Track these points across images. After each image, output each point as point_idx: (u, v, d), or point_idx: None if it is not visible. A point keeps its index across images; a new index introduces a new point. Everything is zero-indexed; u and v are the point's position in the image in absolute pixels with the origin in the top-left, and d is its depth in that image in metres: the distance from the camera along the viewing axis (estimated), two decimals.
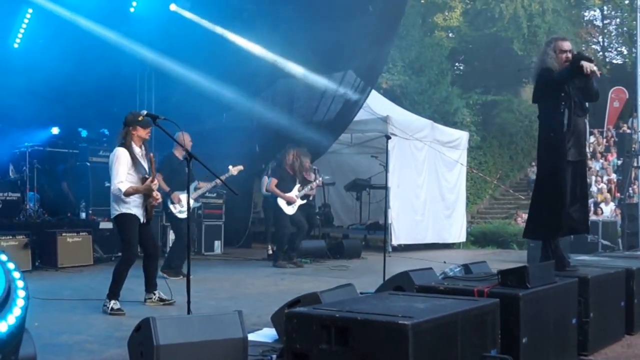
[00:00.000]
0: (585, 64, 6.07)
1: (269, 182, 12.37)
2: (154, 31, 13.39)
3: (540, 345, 4.77)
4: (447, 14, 34.06)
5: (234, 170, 10.21)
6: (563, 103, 6.29)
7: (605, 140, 28.31)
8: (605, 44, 37.02)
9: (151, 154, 7.64)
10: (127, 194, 7.23)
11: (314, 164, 13.77)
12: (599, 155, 26.43)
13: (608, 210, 21.20)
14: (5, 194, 11.59)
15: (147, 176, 7.38)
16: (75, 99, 13.31)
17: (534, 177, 12.07)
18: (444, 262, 11.44)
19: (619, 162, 19.79)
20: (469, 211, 23.54)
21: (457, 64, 35.57)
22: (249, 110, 15.96)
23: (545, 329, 4.87)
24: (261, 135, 15.24)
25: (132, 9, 13.62)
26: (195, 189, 10.32)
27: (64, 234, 11.06)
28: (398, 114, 16.93)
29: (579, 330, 5.46)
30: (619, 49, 36.42)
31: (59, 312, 7.19)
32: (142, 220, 7.47)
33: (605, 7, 35.32)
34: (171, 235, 11.86)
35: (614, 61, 36.08)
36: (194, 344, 4.46)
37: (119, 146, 7.41)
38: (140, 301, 7.75)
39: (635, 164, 15.43)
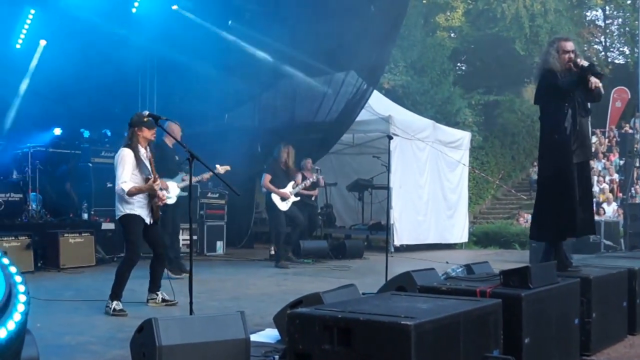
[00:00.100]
0: (593, 80, 6.09)
1: (262, 178, 12.40)
2: (156, 32, 13.40)
3: (542, 345, 4.76)
4: (449, 14, 34.09)
5: (220, 169, 10.17)
6: (566, 104, 6.27)
7: (607, 140, 28.29)
8: (607, 44, 37.03)
9: (149, 154, 7.65)
10: (131, 193, 7.23)
11: (316, 165, 13.77)
12: (601, 155, 26.41)
13: (610, 210, 21.19)
14: (8, 195, 11.59)
15: (149, 177, 7.39)
16: (78, 100, 13.33)
17: (536, 177, 12.06)
18: (446, 263, 11.42)
19: (621, 162, 19.81)
20: (471, 211, 23.54)
21: (459, 64, 35.59)
22: (251, 110, 15.99)
23: (548, 329, 4.87)
24: (263, 136, 15.25)
25: (134, 10, 13.64)
26: (182, 180, 10.33)
27: (66, 235, 11.06)
28: (400, 114, 16.92)
29: (581, 331, 5.45)
30: (621, 49, 36.45)
31: (61, 313, 7.19)
32: (148, 221, 7.47)
33: (607, 7, 35.33)
34: None
35: (616, 61, 36.11)
36: (197, 345, 4.46)
37: (124, 147, 7.42)
38: (142, 302, 7.75)
39: (637, 164, 15.44)
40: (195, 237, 13.31)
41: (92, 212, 12.35)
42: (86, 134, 13.88)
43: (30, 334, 3.00)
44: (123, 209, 7.36)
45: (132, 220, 7.37)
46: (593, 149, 25.33)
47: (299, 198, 12.73)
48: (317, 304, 4.71)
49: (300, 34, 14.09)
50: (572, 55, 6.34)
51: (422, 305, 4.11)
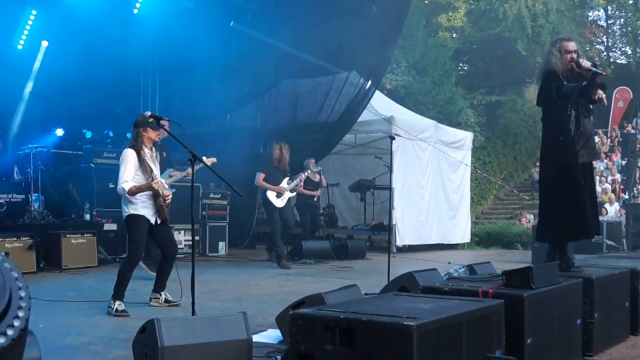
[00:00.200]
0: (600, 93, 6.12)
1: (256, 178, 12.42)
2: (158, 32, 13.40)
3: (544, 345, 4.76)
4: (451, 14, 34.08)
5: (207, 161, 10.15)
6: (570, 105, 6.27)
7: (609, 140, 28.28)
8: (610, 44, 37.01)
9: (155, 155, 7.65)
10: (131, 193, 7.24)
11: (318, 165, 13.78)
12: (603, 155, 26.38)
13: (612, 210, 21.18)
14: (10, 196, 11.59)
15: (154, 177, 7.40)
16: (80, 101, 13.32)
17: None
18: (449, 263, 11.43)
19: (623, 162, 19.77)
20: (473, 212, 23.54)
21: (461, 64, 35.58)
22: (253, 110, 15.99)
23: (550, 329, 4.86)
24: (265, 136, 15.25)
25: (135, 10, 13.64)
26: (170, 176, 10.31)
27: (68, 236, 11.05)
28: (402, 115, 16.93)
29: (583, 331, 5.44)
30: (623, 49, 36.46)
31: (63, 313, 7.19)
32: (153, 221, 7.47)
33: (609, 7, 35.31)
34: None
35: (618, 61, 36.10)
36: (199, 346, 4.46)
37: (128, 147, 7.43)
38: (144, 302, 7.75)
39: (639, 164, 15.40)
40: (197, 238, 13.31)
41: (94, 213, 12.35)
42: (88, 134, 13.88)
43: (32, 335, 3.01)
44: (127, 209, 7.38)
45: (135, 220, 7.38)
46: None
47: (294, 194, 12.77)
48: (320, 305, 4.70)
49: (302, 34, 14.10)
50: (575, 56, 6.34)
51: (424, 305, 4.11)
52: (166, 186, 8.41)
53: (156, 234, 7.56)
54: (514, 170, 30.23)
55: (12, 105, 13.46)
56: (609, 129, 29.12)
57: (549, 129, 6.49)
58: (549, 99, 6.40)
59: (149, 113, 7.13)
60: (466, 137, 18.25)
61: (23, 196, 11.82)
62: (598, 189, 22.58)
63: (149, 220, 7.42)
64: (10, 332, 1.91)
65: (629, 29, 33.96)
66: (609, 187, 23.43)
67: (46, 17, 13.23)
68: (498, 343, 4.23)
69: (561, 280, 5.23)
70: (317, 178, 13.64)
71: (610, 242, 14.33)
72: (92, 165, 12.56)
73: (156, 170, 7.53)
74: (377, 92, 15.81)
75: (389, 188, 13.43)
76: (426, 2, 32.55)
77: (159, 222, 7.51)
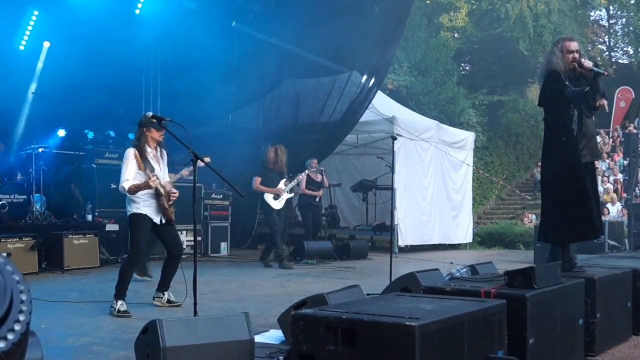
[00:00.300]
0: (604, 102, 6.14)
1: (253, 182, 12.42)
2: (160, 33, 13.41)
3: (547, 346, 4.75)
4: (452, 14, 34.04)
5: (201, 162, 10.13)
6: (572, 105, 6.26)
7: (611, 140, 28.25)
8: (612, 44, 36.95)
9: (159, 155, 7.66)
10: (131, 191, 7.26)
11: (320, 165, 13.79)
12: (605, 155, 26.36)
13: (615, 210, 21.16)
14: (12, 197, 11.61)
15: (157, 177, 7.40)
16: (82, 101, 13.33)
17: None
18: (451, 263, 11.42)
19: (626, 163, 19.73)
20: (476, 212, 23.53)
21: (463, 64, 35.52)
22: (255, 111, 16.01)
23: (552, 330, 4.86)
24: (267, 137, 15.25)
25: (137, 11, 13.65)
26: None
27: (70, 236, 11.07)
28: (404, 115, 16.94)
29: (586, 331, 5.44)
30: (625, 49, 36.38)
31: (66, 314, 7.19)
32: (158, 221, 7.47)
33: (611, 7, 35.25)
34: None
35: (620, 61, 36.05)
36: (201, 346, 4.46)
37: (132, 147, 7.44)
38: (147, 303, 7.76)
39: None
40: (199, 239, 13.33)
41: (97, 214, 12.36)
42: (90, 135, 13.90)
43: (34, 336, 3.00)
44: (130, 209, 7.42)
45: (137, 219, 7.39)
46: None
47: (292, 195, 12.78)
48: (322, 305, 4.70)
49: (304, 34, 14.10)
50: (577, 56, 6.33)
51: (426, 306, 4.11)
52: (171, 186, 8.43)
53: (161, 233, 7.58)
54: (516, 170, 30.21)
55: (15, 106, 13.47)
56: (611, 129, 29.09)
57: (551, 129, 6.49)
58: (551, 99, 6.40)
59: (151, 114, 7.14)
60: (468, 138, 18.24)
61: (25, 197, 11.84)
62: (600, 189, 22.57)
63: (152, 220, 7.43)
64: (11, 336, 1.91)
65: (631, 29, 33.87)
66: (611, 187, 23.40)
67: (48, 18, 13.24)
68: (500, 343, 4.23)
69: (564, 280, 5.23)
70: (319, 178, 13.64)
71: (612, 243, 14.31)
72: (94, 166, 12.56)
73: (161, 170, 7.54)
74: (379, 93, 15.81)
75: (391, 188, 13.47)
76: (428, 2, 32.53)
77: (163, 222, 7.52)
